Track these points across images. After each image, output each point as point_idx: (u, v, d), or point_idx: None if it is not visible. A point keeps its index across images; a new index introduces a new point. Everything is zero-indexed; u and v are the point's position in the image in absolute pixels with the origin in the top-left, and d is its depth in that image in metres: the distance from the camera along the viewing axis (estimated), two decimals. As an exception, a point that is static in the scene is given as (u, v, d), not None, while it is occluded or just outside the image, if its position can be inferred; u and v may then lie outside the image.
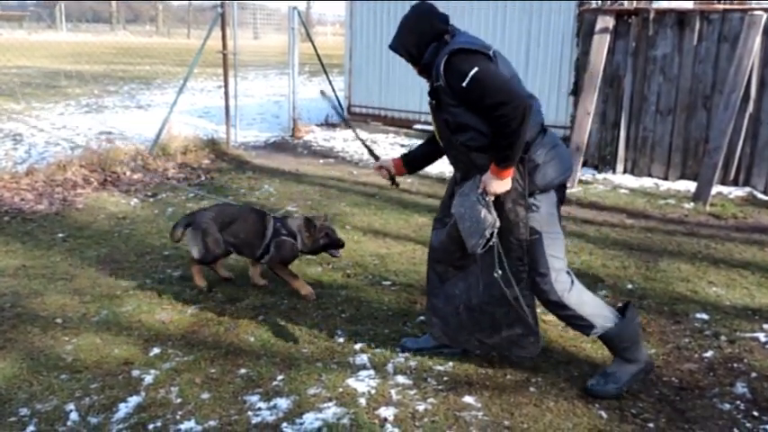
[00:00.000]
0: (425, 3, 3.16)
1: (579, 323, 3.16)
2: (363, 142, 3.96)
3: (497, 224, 2.97)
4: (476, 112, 2.90)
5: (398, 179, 3.71)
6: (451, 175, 3.42)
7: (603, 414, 3.04)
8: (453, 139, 3.04)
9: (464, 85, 2.84)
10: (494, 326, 3.24)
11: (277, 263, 4.25)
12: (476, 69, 2.82)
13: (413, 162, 3.65)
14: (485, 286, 3.19)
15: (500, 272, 2.99)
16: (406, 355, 3.54)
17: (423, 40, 3.07)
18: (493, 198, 2.97)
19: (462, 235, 3.07)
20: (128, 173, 7.41)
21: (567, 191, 3.43)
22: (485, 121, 2.89)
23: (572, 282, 3.15)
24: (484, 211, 2.96)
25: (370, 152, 3.80)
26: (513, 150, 2.85)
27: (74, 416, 2.98)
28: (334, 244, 4.27)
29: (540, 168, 3.00)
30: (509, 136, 2.82)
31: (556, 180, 3.06)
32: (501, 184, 2.93)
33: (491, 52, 2.93)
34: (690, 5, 7.51)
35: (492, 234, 2.97)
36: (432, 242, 3.43)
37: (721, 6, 7.35)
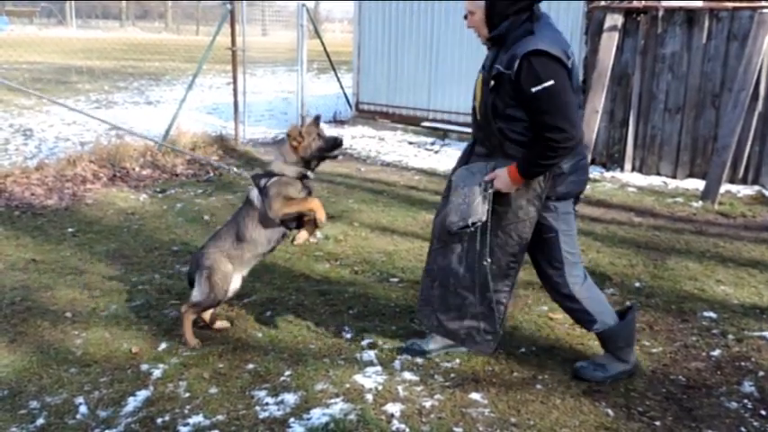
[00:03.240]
0: None
1: (584, 317, 3.23)
2: None
3: (483, 219, 2.99)
4: (528, 116, 2.85)
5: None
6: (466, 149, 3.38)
7: (610, 412, 3.04)
8: (494, 122, 2.96)
9: (533, 90, 2.75)
10: (460, 311, 3.24)
11: (276, 203, 3.50)
12: (552, 83, 2.73)
13: None
14: (466, 268, 3.18)
15: (489, 260, 3.05)
16: (413, 351, 3.55)
17: (508, 8, 2.86)
18: (493, 191, 2.97)
19: (448, 206, 3.07)
20: (137, 168, 7.44)
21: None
22: (532, 130, 2.86)
23: (584, 277, 3.21)
24: (479, 200, 2.96)
25: None
26: (541, 170, 2.88)
27: (83, 409, 3.01)
28: (331, 144, 3.68)
29: (564, 177, 3.00)
30: (547, 159, 2.82)
31: (575, 191, 3.11)
32: (510, 186, 2.95)
33: (570, 62, 2.84)
34: (699, 3, 7.48)
35: (473, 225, 2.99)
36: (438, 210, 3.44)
37: (731, 4, 7.31)
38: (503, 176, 2.94)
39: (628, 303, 3.88)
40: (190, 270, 3.68)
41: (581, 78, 8.48)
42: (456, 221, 3.02)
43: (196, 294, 3.56)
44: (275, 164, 3.60)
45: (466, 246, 3.16)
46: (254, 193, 3.58)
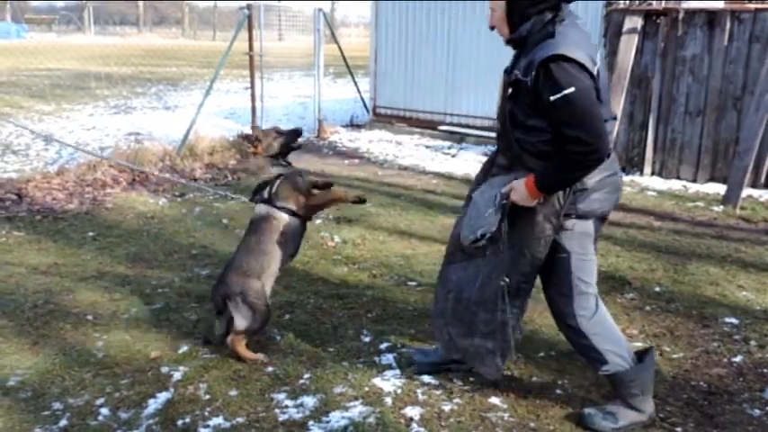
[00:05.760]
0: None
1: (591, 355, 2.89)
2: None
3: (492, 230, 2.77)
4: (549, 126, 2.60)
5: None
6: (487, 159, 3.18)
7: (631, 417, 3.01)
8: (512, 131, 2.74)
9: (552, 99, 2.49)
10: (470, 328, 3.01)
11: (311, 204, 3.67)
12: (572, 90, 2.47)
13: None
14: (481, 284, 2.94)
15: (507, 280, 2.82)
16: (432, 355, 3.54)
17: (529, 8, 2.65)
18: (509, 203, 2.75)
19: (464, 220, 2.94)
20: (156, 173, 7.50)
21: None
22: (553, 142, 2.61)
23: (596, 310, 2.88)
24: (491, 211, 2.78)
25: None
26: (561, 184, 2.65)
27: (105, 411, 3.03)
28: (291, 137, 3.69)
29: (587, 193, 2.73)
30: (569, 172, 2.59)
31: (598, 210, 2.80)
32: (527, 199, 2.69)
33: (596, 68, 2.56)
34: (720, 5, 7.42)
35: (482, 236, 2.79)
36: (457, 219, 3.22)
37: (753, 6, 7.25)
38: (519, 188, 2.69)
39: (645, 345, 3.48)
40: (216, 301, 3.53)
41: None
42: (467, 235, 2.86)
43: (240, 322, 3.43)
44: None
45: (485, 261, 2.92)
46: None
